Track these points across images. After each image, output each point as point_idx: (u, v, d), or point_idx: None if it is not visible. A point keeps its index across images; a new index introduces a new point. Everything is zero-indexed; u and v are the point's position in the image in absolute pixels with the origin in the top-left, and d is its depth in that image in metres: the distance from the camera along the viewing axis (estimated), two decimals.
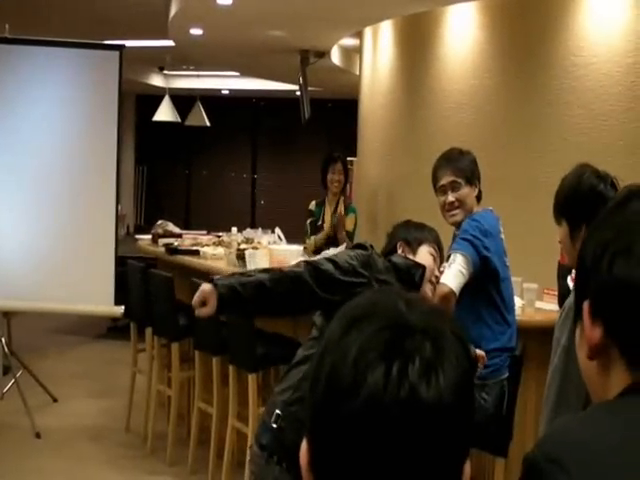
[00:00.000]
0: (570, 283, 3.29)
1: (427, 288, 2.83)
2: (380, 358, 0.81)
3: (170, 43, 8.77)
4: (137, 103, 14.75)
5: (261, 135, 15.14)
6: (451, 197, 3.36)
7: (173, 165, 15.20)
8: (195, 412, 4.93)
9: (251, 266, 4.67)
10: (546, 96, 5.13)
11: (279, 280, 2.56)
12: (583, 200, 2.31)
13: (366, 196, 7.20)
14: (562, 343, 2.23)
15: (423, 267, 2.79)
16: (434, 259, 2.89)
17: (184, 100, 11.47)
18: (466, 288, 3.15)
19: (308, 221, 6.27)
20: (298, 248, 5.28)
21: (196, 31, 7.77)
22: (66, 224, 5.75)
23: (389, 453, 0.80)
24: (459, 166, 3.39)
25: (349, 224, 6.10)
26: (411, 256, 2.84)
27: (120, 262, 5.76)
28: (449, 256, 3.20)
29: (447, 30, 6.02)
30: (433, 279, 2.89)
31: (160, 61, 11.28)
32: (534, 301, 4.09)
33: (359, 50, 7.78)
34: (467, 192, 3.37)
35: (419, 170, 5.33)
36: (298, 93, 9.32)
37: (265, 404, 2.91)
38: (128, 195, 14.21)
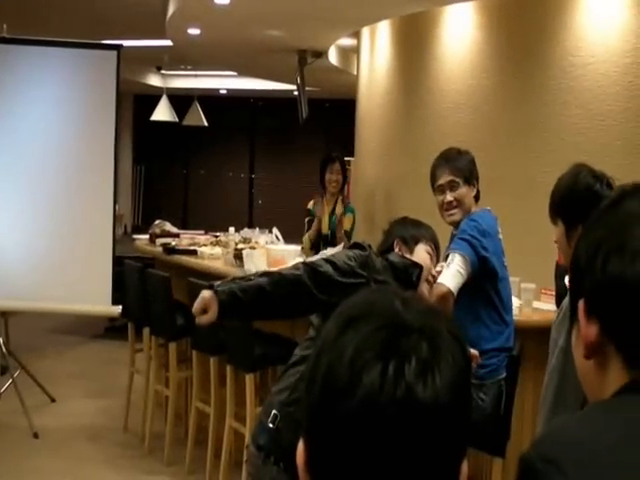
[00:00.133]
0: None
1: (424, 287, 2.83)
2: (376, 358, 0.81)
3: (168, 43, 8.77)
4: (135, 103, 14.75)
5: (259, 135, 15.14)
6: (449, 196, 3.36)
7: (171, 165, 15.20)
8: (193, 412, 4.93)
9: (249, 266, 4.67)
10: (544, 96, 5.13)
11: (278, 283, 2.55)
12: (579, 200, 2.30)
13: (364, 196, 7.19)
14: (559, 343, 2.23)
15: (420, 267, 2.80)
16: (431, 257, 2.90)
17: (182, 100, 11.47)
18: (464, 288, 3.15)
19: (306, 219, 6.26)
20: (296, 248, 5.28)
21: (194, 31, 7.76)
22: (63, 224, 5.75)
23: (386, 453, 0.80)
24: (457, 166, 3.39)
25: (347, 224, 6.10)
26: (408, 254, 2.85)
27: (117, 262, 5.76)
28: (447, 256, 3.20)
29: (445, 30, 6.02)
30: (430, 278, 2.89)
31: (158, 61, 11.27)
32: (532, 301, 4.09)
33: (357, 50, 7.78)
34: (465, 192, 3.37)
35: (417, 170, 5.33)
36: (296, 93, 9.32)
37: (262, 404, 2.90)
38: (126, 195, 14.21)
